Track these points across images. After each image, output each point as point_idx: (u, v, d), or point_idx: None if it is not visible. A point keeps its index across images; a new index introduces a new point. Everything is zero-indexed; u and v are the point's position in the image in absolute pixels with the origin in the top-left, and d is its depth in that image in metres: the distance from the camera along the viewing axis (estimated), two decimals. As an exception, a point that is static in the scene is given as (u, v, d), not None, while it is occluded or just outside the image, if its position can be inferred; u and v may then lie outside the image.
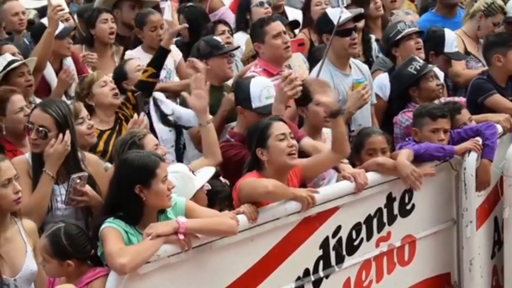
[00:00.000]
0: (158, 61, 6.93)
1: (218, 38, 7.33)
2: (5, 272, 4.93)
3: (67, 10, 7.90)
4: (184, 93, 6.28)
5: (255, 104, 6.24)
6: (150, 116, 7.12)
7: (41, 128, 5.44)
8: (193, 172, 5.48)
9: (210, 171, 5.60)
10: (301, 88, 6.17)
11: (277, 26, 7.17)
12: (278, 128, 5.59)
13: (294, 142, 5.61)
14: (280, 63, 7.14)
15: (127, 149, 5.40)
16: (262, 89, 6.31)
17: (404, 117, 6.94)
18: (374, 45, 8.74)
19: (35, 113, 5.52)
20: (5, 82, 6.73)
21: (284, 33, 7.19)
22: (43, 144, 5.44)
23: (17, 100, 6.15)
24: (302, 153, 5.93)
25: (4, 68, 6.86)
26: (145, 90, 6.81)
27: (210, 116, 6.03)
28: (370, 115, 7.22)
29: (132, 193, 4.90)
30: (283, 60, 7.18)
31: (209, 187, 5.59)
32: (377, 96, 7.39)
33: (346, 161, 6.03)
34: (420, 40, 7.64)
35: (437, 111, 6.48)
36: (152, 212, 4.99)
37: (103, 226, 4.88)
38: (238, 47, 7.70)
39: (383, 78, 7.46)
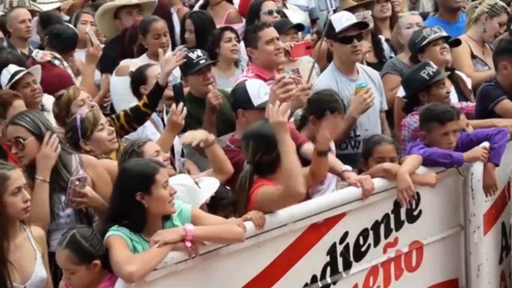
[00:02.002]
0: (153, 96, 6.70)
1: (193, 55, 7.15)
2: (16, 279, 4.94)
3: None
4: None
5: (256, 102, 6.28)
6: (164, 123, 7.13)
7: (17, 140, 5.50)
8: (197, 183, 5.51)
9: (215, 184, 5.62)
10: (295, 92, 6.17)
11: (270, 32, 7.23)
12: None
13: None
14: (272, 69, 7.22)
15: (127, 158, 5.45)
16: (259, 86, 6.39)
17: (412, 119, 6.92)
18: (385, 46, 8.76)
19: (8, 130, 5.63)
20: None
21: (277, 39, 7.25)
22: (26, 156, 5.51)
23: (19, 105, 6.30)
24: (304, 159, 5.94)
25: (9, 80, 6.91)
26: (138, 118, 6.69)
27: (213, 137, 6.01)
28: (378, 121, 7.22)
29: (134, 201, 4.92)
30: (275, 66, 7.25)
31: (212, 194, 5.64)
32: (402, 101, 7.35)
33: (350, 168, 6.04)
34: (445, 45, 7.65)
35: (445, 115, 6.45)
36: (155, 219, 5.01)
37: (108, 234, 4.91)
38: (213, 62, 7.51)
39: None
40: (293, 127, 6.33)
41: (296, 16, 9.34)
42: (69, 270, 4.90)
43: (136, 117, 6.63)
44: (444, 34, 7.73)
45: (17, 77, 6.91)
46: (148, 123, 6.89)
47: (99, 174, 5.60)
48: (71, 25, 8.68)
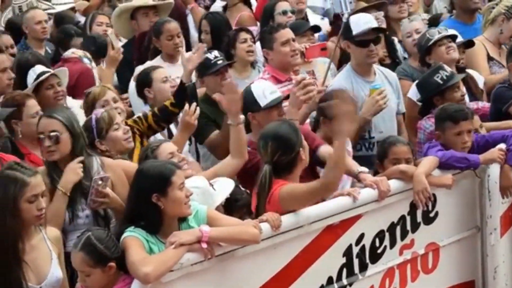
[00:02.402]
0: (179, 95, 6.74)
1: (210, 55, 7.21)
2: (31, 280, 4.95)
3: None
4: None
5: (262, 102, 6.27)
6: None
7: (52, 134, 5.50)
8: (212, 185, 5.50)
9: (230, 185, 5.62)
10: (315, 93, 6.14)
11: (286, 33, 7.23)
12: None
13: None
14: (288, 70, 7.22)
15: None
16: (263, 87, 6.38)
17: (428, 123, 6.92)
18: (399, 46, 8.73)
19: (42, 122, 5.62)
20: (35, 94, 6.79)
21: (293, 40, 7.24)
22: (58, 150, 5.52)
23: (32, 105, 6.33)
24: (320, 162, 5.96)
25: (34, 81, 6.95)
26: (165, 117, 6.73)
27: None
28: (394, 124, 7.20)
29: (150, 202, 4.93)
30: (291, 67, 7.24)
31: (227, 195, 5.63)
32: (414, 103, 7.35)
33: (366, 170, 6.03)
34: (451, 44, 7.62)
35: (459, 114, 6.43)
36: (171, 220, 5.01)
37: (124, 235, 4.91)
38: (231, 62, 7.58)
39: None
40: (309, 129, 6.30)
41: (313, 19, 9.35)
42: (84, 273, 4.90)
43: (163, 117, 6.67)
44: (449, 33, 7.72)
45: (41, 78, 6.94)
46: None
47: (118, 176, 5.61)
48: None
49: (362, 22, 7.15)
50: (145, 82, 7.14)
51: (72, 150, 5.57)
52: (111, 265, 4.87)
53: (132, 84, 7.81)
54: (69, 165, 5.51)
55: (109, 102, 6.47)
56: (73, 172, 5.49)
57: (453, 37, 7.76)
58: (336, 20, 9.15)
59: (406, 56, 8.59)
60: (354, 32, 7.08)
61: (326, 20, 9.75)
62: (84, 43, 8.45)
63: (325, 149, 6.06)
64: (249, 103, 6.30)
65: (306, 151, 5.64)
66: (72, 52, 8.10)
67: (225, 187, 5.62)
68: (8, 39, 8.55)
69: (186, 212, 5.02)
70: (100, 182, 5.38)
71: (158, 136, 6.81)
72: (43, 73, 6.99)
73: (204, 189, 5.38)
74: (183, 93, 6.71)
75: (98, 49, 8.24)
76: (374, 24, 7.21)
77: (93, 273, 4.88)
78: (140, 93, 7.17)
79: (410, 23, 8.63)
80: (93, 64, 8.12)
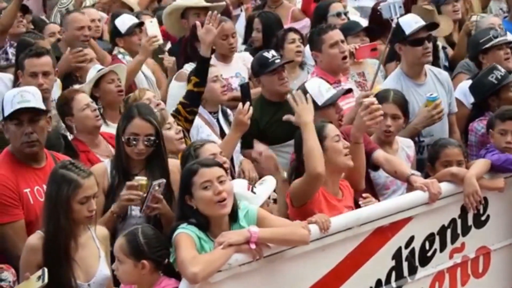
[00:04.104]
0: (200, 70, 6.79)
1: (268, 54, 7.18)
2: (80, 277, 4.99)
3: (161, 41, 7.98)
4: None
5: (320, 101, 6.23)
6: (220, 123, 7.13)
7: (147, 138, 5.51)
8: (253, 188, 5.45)
9: (272, 185, 5.60)
10: (381, 117, 5.97)
11: (335, 35, 7.19)
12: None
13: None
14: (337, 73, 7.18)
15: (185, 161, 5.47)
16: (319, 85, 6.35)
17: (480, 125, 6.87)
18: (441, 54, 8.61)
19: (138, 123, 5.56)
20: (97, 88, 6.89)
21: (342, 42, 7.19)
22: (145, 153, 5.54)
23: (82, 97, 6.36)
24: (375, 165, 5.92)
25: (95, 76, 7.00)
26: (192, 100, 6.73)
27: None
28: (446, 126, 7.12)
29: (186, 203, 4.97)
30: (340, 70, 7.19)
31: (275, 195, 5.59)
32: (460, 103, 7.27)
33: (418, 173, 5.97)
34: (509, 50, 7.51)
35: (508, 113, 6.40)
36: (217, 219, 4.98)
37: (176, 232, 4.91)
38: (290, 61, 7.55)
39: (468, 85, 7.33)
40: (366, 134, 6.25)
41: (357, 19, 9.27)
42: (118, 259, 4.95)
43: (193, 101, 6.70)
44: (509, 39, 7.59)
45: (101, 72, 6.97)
46: (202, 125, 6.90)
47: (174, 180, 5.53)
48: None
49: (413, 22, 7.11)
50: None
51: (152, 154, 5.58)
52: (144, 263, 4.89)
53: (173, 85, 7.78)
54: (126, 195, 5.41)
55: (151, 100, 6.43)
56: (127, 199, 5.41)
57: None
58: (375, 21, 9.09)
59: (447, 64, 8.44)
60: (407, 32, 7.01)
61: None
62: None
63: (379, 154, 6.04)
64: None
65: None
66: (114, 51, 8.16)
67: (266, 187, 5.59)
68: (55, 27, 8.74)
69: (217, 211, 4.94)
70: (157, 188, 5.35)
71: (203, 134, 6.78)
72: (103, 69, 7.04)
73: (239, 195, 5.25)
74: (204, 68, 6.73)
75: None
76: (424, 23, 7.13)
77: (125, 262, 4.91)
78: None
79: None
80: (127, 57, 8.13)
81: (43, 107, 5.57)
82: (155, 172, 5.51)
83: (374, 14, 8.78)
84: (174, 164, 5.71)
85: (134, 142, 5.53)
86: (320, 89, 6.29)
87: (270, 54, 7.19)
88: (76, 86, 7.05)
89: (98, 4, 10.37)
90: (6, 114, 5.50)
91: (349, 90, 6.74)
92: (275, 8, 9.79)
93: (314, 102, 6.18)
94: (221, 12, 8.90)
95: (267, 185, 5.61)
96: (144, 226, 5.05)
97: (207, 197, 4.91)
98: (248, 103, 6.30)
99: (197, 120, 6.87)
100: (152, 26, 7.90)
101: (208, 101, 7.00)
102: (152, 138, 5.53)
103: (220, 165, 5.06)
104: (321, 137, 5.58)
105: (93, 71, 7.07)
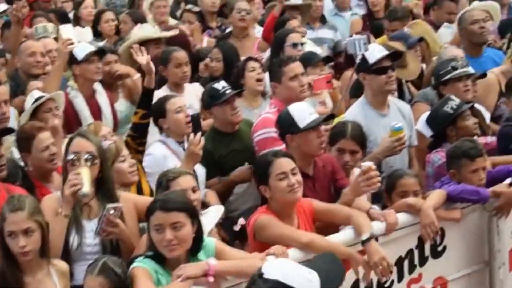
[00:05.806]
0: (145, 101, 6.88)
1: (218, 85, 7.20)
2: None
3: (76, 44, 7.83)
4: None
5: (302, 124, 6.21)
6: None
7: (90, 154, 5.43)
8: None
9: (218, 213, 5.60)
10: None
11: (296, 67, 7.22)
12: (279, 166, 5.61)
13: (296, 179, 5.60)
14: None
15: (156, 190, 5.48)
16: (303, 109, 6.34)
17: (437, 156, 6.88)
18: (405, 88, 8.61)
19: (78, 142, 5.48)
20: (34, 118, 6.75)
21: (302, 74, 7.22)
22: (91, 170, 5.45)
23: (44, 138, 6.19)
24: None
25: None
26: (140, 132, 6.80)
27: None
28: (406, 158, 7.16)
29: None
30: (298, 101, 7.14)
31: (244, 222, 5.58)
32: (421, 135, 7.28)
33: (376, 207, 5.98)
34: (469, 82, 7.57)
35: (475, 152, 6.37)
36: None
37: (132, 266, 4.89)
38: (240, 91, 7.50)
39: None
40: (337, 163, 6.35)
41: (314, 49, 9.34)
42: None
43: (141, 133, 6.88)
44: (471, 71, 7.65)
45: (38, 102, 6.84)
46: (169, 154, 6.86)
47: (129, 209, 5.52)
48: None
49: (376, 51, 7.17)
50: (159, 113, 6.99)
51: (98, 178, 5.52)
52: None
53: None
54: (66, 191, 5.31)
55: (106, 138, 6.36)
56: (69, 198, 5.31)
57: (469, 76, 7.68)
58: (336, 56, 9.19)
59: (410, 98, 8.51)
60: (371, 62, 7.08)
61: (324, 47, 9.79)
62: None
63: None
64: (287, 125, 6.27)
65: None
66: None
67: (213, 216, 5.60)
68: None
69: (166, 255, 4.91)
70: (112, 211, 5.32)
71: (170, 164, 6.72)
72: (40, 97, 6.90)
73: None
74: (148, 96, 6.95)
75: None
76: (387, 51, 7.20)
77: None
78: (156, 122, 7.15)
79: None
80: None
81: None
82: (104, 199, 5.45)
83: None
84: (129, 197, 5.68)
85: (75, 160, 5.41)
86: (304, 112, 6.29)
87: (221, 85, 7.20)
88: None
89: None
90: None
91: (332, 116, 6.82)
92: (241, 38, 9.85)
93: (295, 125, 6.24)
94: (178, 43, 9.00)
95: (212, 215, 5.62)
96: (108, 258, 4.92)
97: (157, 239, 4.87)
98: (199, 134, 6.32)
99: (164, 150, 6.86)
100: (66, 31, 7.86)
101: (173, 132, 6.97)
102: (94, 154, 5.42)
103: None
104: (267, 174, 5.60)
105: (29, 99, 6.98)
